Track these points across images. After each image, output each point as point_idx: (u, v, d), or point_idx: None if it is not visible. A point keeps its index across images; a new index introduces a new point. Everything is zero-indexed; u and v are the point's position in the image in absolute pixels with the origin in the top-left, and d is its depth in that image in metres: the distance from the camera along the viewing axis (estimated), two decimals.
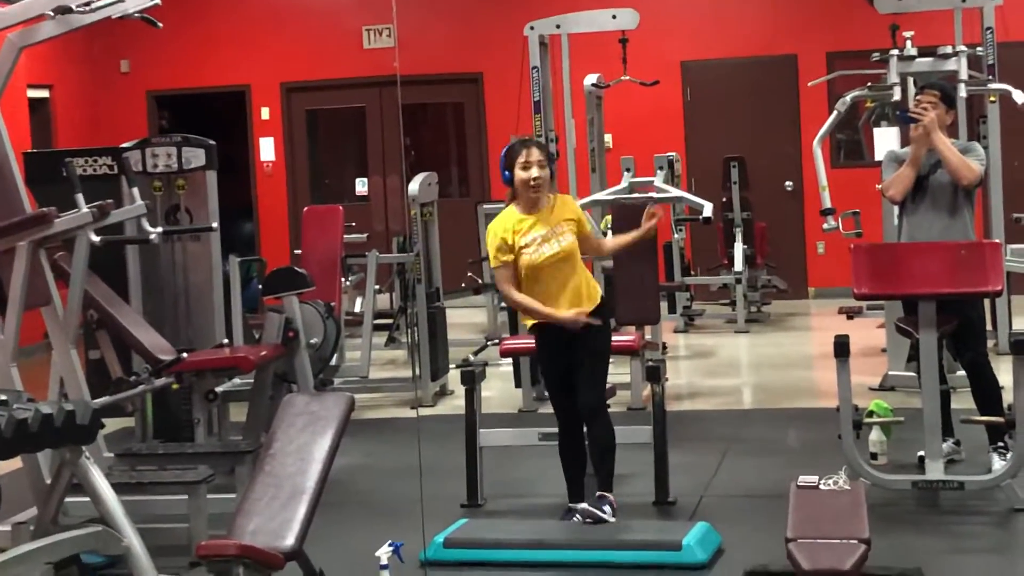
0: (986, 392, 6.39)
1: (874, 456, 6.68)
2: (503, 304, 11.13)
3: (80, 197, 5.74)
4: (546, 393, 6.56)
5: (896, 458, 6.70)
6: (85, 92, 14.14)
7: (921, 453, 6.21)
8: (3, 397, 5.11)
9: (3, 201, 5.87)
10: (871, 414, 6.72)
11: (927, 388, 6.05)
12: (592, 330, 5.79)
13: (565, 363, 5.85)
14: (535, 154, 5.77)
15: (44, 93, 13.31)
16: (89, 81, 14.22)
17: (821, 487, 5.02)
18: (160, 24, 6.18)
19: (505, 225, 5.81)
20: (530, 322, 5.95)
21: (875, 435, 6.74)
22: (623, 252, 7.90)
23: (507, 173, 5.81)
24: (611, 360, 9.49)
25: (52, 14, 5.83)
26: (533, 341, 6.13)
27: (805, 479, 5.09)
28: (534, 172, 5.74)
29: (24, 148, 10.54)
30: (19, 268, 5.62)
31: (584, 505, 5.86)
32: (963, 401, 6.74)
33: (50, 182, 7.47)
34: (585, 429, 5.92)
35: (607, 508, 5.81)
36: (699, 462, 7.05)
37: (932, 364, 6.07)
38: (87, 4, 5.83)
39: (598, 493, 5.88)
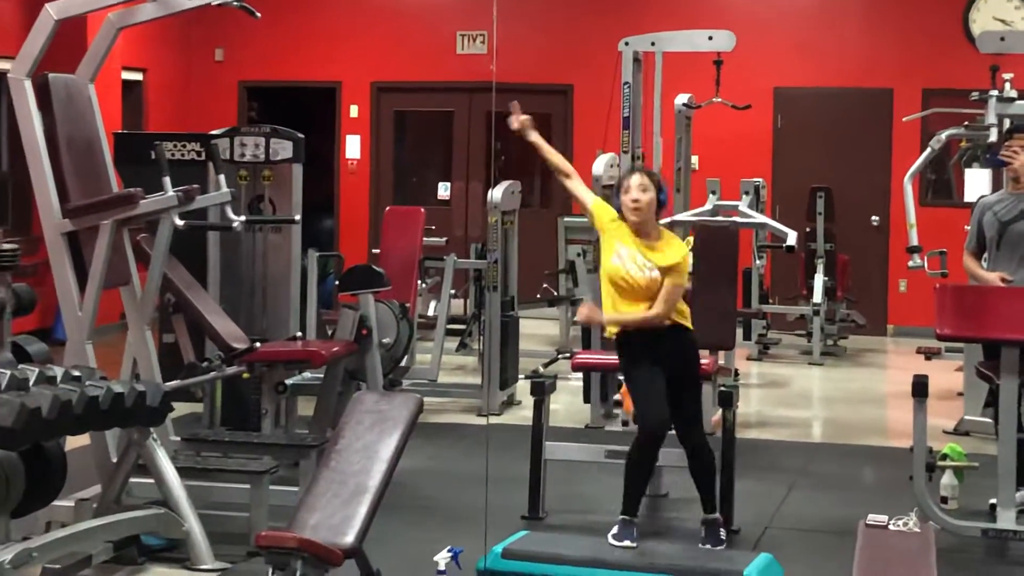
0: None
1: (945, 500, 6.57)
2: (576, 318, 11.09)
3: (167, 180, 5.77)
4: (621, 408, 6.48)
5: (967, 504, 6.59)
6: (178, 78, 14.28)
7: (993, 501, 6.09)
8: (76, 373, 5.15)
9: (91, 179, 5.91)
10: (944, 457, 6.61)
11: (1004, 435, 5.94)
12: (685, 345, 5.82)
13: (660, 376, 5.79)
14: (635, 179, 5.83)
15: (138, 76, 13.45)
16: (183, 67, 14.36)
17: (890, 527, 4.94)
18: (258, 14, 6.20)
19: (614, 214, 5.88)
20: (613, 331, 5.90)
21: (947, 479, 6.63)
22: (701, 274, 7.86)
23: (617, 204, 5.87)
24: None
25: None
26: (616, 354, 6.04)
27: (874, 518, 5.01)
28: (633, 195, 5.77)
29: (115, 129, 10.64)
30: (101, 246, 5.66)
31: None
32: None
33: (138, 163, 7.56)
34: (686, 455, 5.96)
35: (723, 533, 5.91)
36: (765, 492, 6.97)
37: (1011, 411, 5.96)
38: None
39: (712, 517, 5.90)
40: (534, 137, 6.19)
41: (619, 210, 5.85)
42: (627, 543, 5.60)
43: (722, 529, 5.91)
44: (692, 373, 5.90)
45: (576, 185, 6.14)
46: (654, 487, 6.85)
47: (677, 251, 5.83)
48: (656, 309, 5.73)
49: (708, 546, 5.84)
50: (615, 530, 5.67)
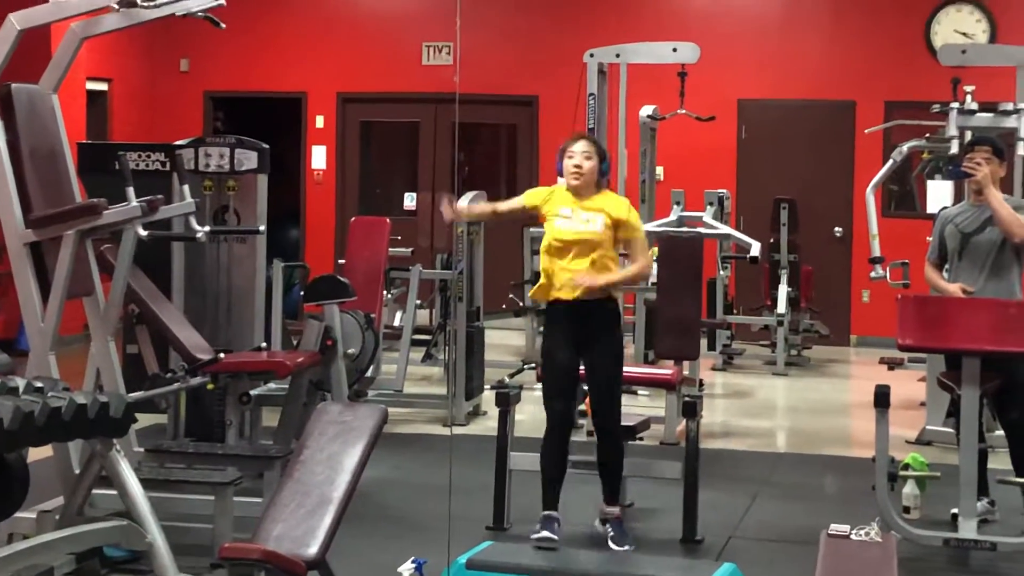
0: None
1: (907, 510, 6.61)
2: (542, 328, 11.10)
3: (131, 191, 5.75)
4: (585, 418, 6.51)
5: (929, 514, 6.63)
6: (143, 88, 14.24)
7: (955, 510, 6.13)
8: (39, 384, 5.12)
9: (54, 189, 5.89)
10: (907, 467, 6.65)
11: (965, 445, 5.98)
12: (605, 321, 5.82)
13: (574, 359, 5.84)
14: (580, 145, 5.92)
15: (103, 86, 13.40)
16: (148, 77, 14.32)
17: (852, 537, 4.96)
18: (223, 25, 6.19)
19: (546, 190, 6.01)
20: (540, 294, 5.96)
21: (909, 488, 6.67)
22: (666, 284, 7.88)
23: (559, 166, 5.95)
24: (647, 393, 9.54)
25: (116, 7, 5.85)
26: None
27: (836, 528, 5.04)
28: (576, 160, 5.85)
29: (79, 139, 10.60)
30: (64, 257, 5.64)
31: (610, 532, 5.88)
32: (1001, 461, 6.66)
33: (102, 173, 7.53)
34: (596, 443, 6.05)
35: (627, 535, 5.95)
36: (729, 502, 6.99)
37: (972, 421, 6.00)
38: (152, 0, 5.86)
39: (609, 509, 5.96)
40: (466, 215, 6.71)
41: (561, 173, 5.92)
42: (546, 533, 5.63)
43: (622, 524, 5.98)
44: (607, 348, 5.90)
45: (504, 207, 6.27)
46: (619, 497, 6.86)
47: (619, 204, 5.94)
48: (639, 263, 5.92)
49: (616, 546, 5.88)
50: (537, 526, 5.74)
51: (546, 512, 5.93)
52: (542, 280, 5.97)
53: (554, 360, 5.96)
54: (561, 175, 5.94)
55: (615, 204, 5.93)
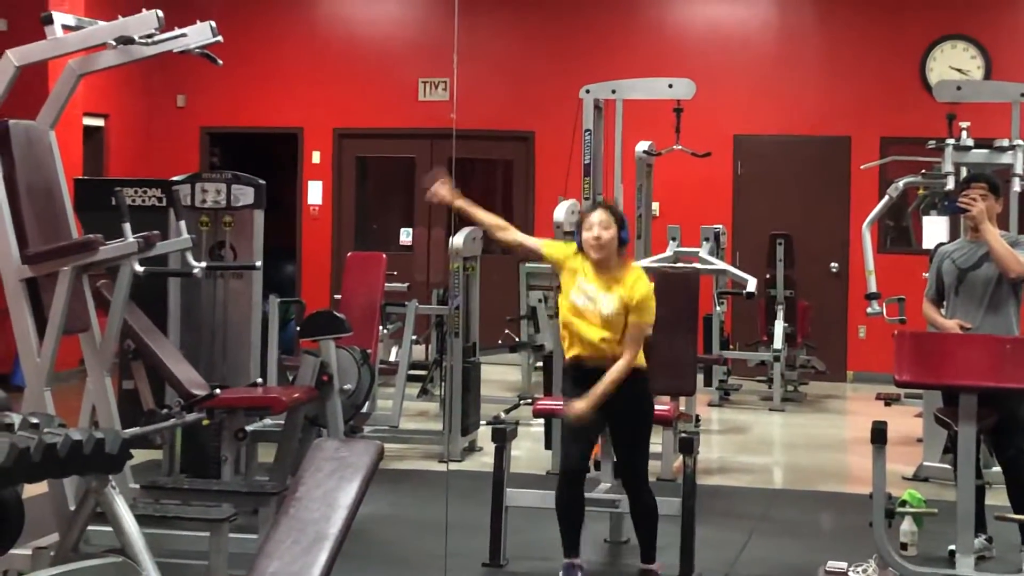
0: (1023, 490, 6.29)
1: (904, 546, 6.59)
2: (538, 364, 11.09)
3: (127, 226, 5.75)
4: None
5: (926, 550, 6.61)
6: (140, 123, 14.26)
7: (952, 547, 6.11)
8: (34, 420, 5.10)
9: (51, 225, 5.89)
10: (904, 503, 6.64)
11: (963, 482, 5.96)
12: (632, 391, 5.75)
13: (594, 414, 5.78)
14: (598, 215, 5.84)
15: (99, 122, 13.42)
16: (144, 113, 14.34)
17: (850, 574, 4.95)
18: (220, 61, 6.20)
19: (570, 251, 5.90)
20: (570, 352, 5.90)
21: (907, 525, 6.66)
22: (662, 321, 7.86)
23: (577, 239, 5.88)
24: None
25: (114, 44, 5.87)
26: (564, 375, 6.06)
27: (834, 565, 5.04)
28: (595, 232, 5.77)
29: (76, 174, 10.62)
30: (60, 293, 5.63)
31: None
32: (998, 497, 6.65)
33: (98, 209, 7.53)
34: (627, 497, 5.99)
35: None
36: (726, 538, 6.98)
37: (969, 457, 5.98)
38: (149, 36, 5.86)
39: (647, 568, 5.90)
40: (460, 203, 6.15)
41: (580, 247, 5.86)
42: None
43: None
44: (635, 421, 5.86)
45: (515, 235, 6.13)
46: (615, 533, 6.85)
47: (641, 286, 5.82)
48: (625, 357, 5.72)
49: None
50: (560, 574, 5.68)
51: (568, 560, 5.85)
52: (573, 349, 5.87)
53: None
54: (581, 249, 5.87)
55: (633, 290, 5.80)
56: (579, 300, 5.75)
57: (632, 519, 5.98)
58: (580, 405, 5.68)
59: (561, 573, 5.72)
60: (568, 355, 5.88)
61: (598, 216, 5.83)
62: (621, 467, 5.86)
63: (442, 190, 6.07)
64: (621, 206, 10.18)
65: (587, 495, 6.12)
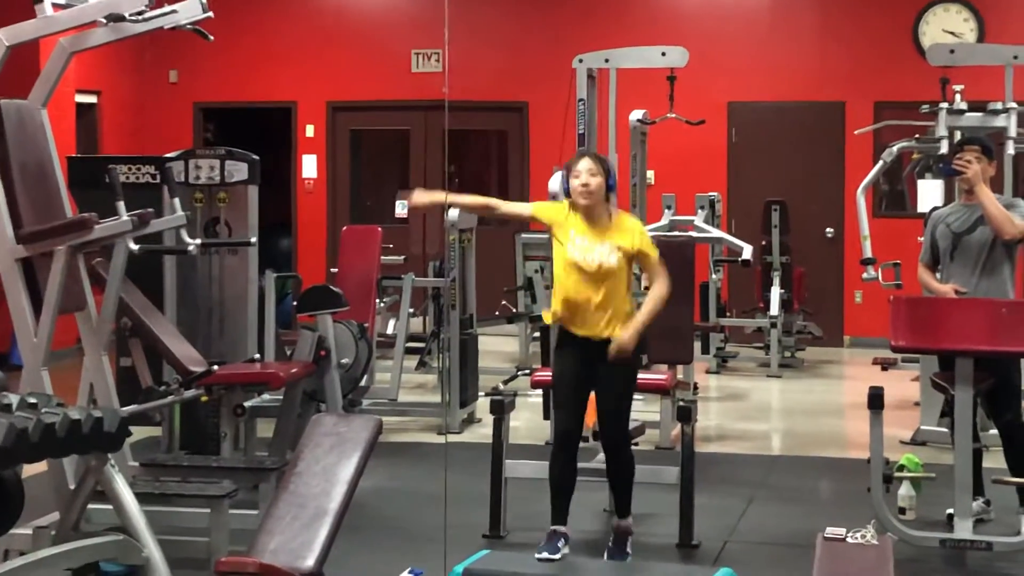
0: (1020, 453, 6.30)
1: (902, 511, 6.61)
2: (535, 335, 11.11)
3: (121, 204, 5.74)
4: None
5: (925, 514, 6.63)
6: (132, 100, 14.22)
7: (950, 511, 6.14)
8: (32, 400, 5.11)
9: (45, 204, 5.88)
10: (902, 468, 6.65)
11: (960, 446, 5.98)
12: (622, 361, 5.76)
13: (583, 376, 5.79)
14: (585, 163, 5.82)
15: (92, 99, 13.39)
16: (137, 89, 14.30)
17: (848, 539, 4.97)
18: (211, 37, 6.19)
19: (561, 208, 5.86)
20: (551, 318, 5.90)
21: (905, 490, 6.67)
22: None
23: (566, 187, 5.86)
24: (642, 398, 9.53)
25: (104, 21, 5.85)
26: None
27: (832, 531, 5.05)
28: (582, 179, 5.76)
29: (69, 152, 10.60)
30: (56, 272, 5.63)
31: (609, 544, 5.85)
32: (995, 460, 6.66)
33: (92, 187, 7.51)
34: (604, 459, 5.97)
35: (628, 548, 5.86)
36: (725, 506, 7.00)
37: (966, 422, 6.00)
38: (139, 13, 5.84)
39: (623, 524, 5.88)
40: (445, 199, 6.26)
41: (568, 194, 5.85)
42: (546, 555, 5.59)
43: (629, 538, 5.93)
44: (621, 372, 5.82)
45: (505, 208, 6.14)
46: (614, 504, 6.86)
47: (631, 234, 5.81)
48: (660, 287, 5.77)
49: (613, 558, 5.85)
50: (541, 542, 5.69)
51: (554, 527, 5.82)
52: (559, 308, 5.86)
53: (564, 373, 5.88)
54: (568, 195, 5.86)
55: (628, 235, 5.79)
56: (574, 253, 5.74)
57: (608, 477, 5.99)
58: (626, 335, 5.68)
59: (544, 540, 5.74)
60: (554, 310, 5.84)
61: (585, 164, 5.81)
62: (603, 422, 5.86)
63: (422, 197, 6.06)
64: (616, 175, 10.21)
65: (584, 465, 6.13)
